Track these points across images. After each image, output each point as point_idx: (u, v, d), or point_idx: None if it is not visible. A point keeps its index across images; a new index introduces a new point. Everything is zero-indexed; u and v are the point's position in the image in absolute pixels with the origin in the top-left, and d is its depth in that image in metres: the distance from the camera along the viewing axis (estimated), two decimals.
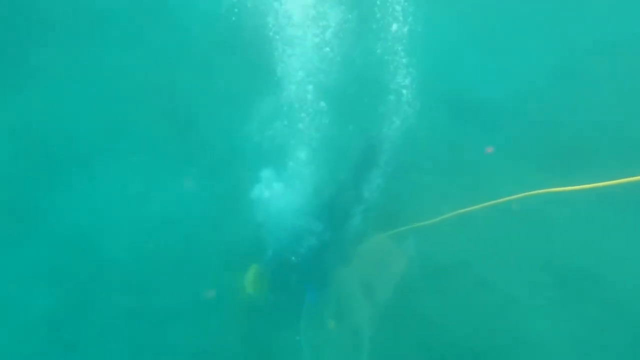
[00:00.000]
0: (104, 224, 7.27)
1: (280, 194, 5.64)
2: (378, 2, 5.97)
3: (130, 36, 9.98)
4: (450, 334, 4.93)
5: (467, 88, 8.48)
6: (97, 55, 9.64)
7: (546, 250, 5.37)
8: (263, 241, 5.87)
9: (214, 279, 6.48)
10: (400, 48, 6.03)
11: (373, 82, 6.37)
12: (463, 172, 6.76)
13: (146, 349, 5.94)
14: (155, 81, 9.09)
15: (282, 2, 5.40)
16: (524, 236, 5.59)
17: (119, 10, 10.23)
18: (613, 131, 6.94)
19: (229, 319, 6.08)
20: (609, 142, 6.59)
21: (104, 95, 9.10)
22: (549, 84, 8.15)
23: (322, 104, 5.77)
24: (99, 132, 8.62)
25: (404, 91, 6.11)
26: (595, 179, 3.14)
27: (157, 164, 7.90)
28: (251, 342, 5.76)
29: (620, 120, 7.08)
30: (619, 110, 7.25)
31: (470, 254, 5.53)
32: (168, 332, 6.05)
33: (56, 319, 6.27)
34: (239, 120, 6.27)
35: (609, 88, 7.77)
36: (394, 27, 6.00)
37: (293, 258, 5.57)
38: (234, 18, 5.98)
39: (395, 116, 6.16)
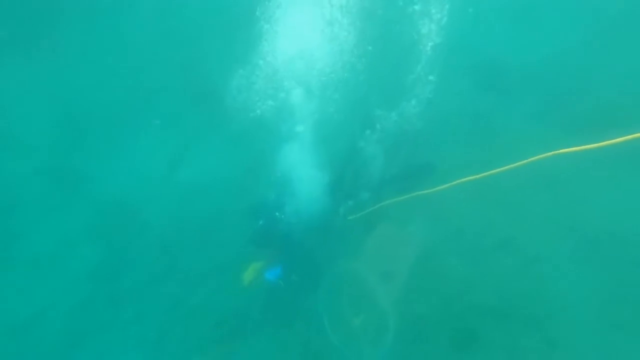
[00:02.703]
0: (139, 189, 7.72)
1: (300, 160, 5.75)
2: None
3: (158, 12, 10.19)
4: (472, 295, 4.94)
5: (492, 55, 8.24)
6: (128, 31, 9.95)
7: (571, 211, 5.24)
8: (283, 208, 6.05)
9: (238, 245, 6.71)
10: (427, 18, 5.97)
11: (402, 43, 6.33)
12: (487, 137, 6.65)
13: (178, 305, 6.31)
14: (179, 55, 9.33)
15: None
16: (547, 198, 5.47)
17: None
18: None
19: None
20: (637, 107, 6.28)
21: (134, 68, 9.44)
22: (575, 51, 7.80)
23: (345, 73, 5.80)
24: (130, 103, 9.02)
25: (431, 54, 6.06)
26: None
27: (185, 133, 8.23)
28: (272, 306, 5.98)
29: None
30: None
31: (492, 217, 5.49)
32: (198, 291, 6.39)
33: (98, 274, 6.81)
34: (261, 87, 6.38)
35: (636, 54, 7.36)
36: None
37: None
38: None
39: (421, 81, 6.12)
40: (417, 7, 6.37)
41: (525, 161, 4.18)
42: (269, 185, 6.13)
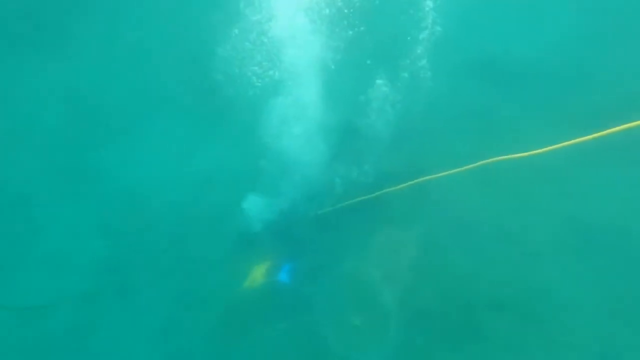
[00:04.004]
0: (148, 182, 7.82)
1: (301, 148, 5.86)
2: None
3: (162, 11, 10.31)
4: (474, 287, 4.99)
5: (490, 49, 8.26)
6: (137, 28, 10.07)
7: (570, 204, 5.32)
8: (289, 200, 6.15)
9: (246, 236, 6.82)
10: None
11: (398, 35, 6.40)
12: (487, 129, 6.69)
13: (187, 294, 6.42)
14: (184, 50, 9.45)
15: None
16: (548, 191, 5.53)
17: None
18: None
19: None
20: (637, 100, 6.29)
21: (142, 64, 9.58)
22: (575, 44, 7.81)
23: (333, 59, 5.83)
24: (138, 98, 9.14)
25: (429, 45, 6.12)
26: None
27: (192, 126, 8.35)
28: (279, 297, 6.08)
29: None
30: None
31: (494, 210, 5.57)
32: (208, 280, 6.48)
33: (108, 266, 6.93)
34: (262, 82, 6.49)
35: (636, 46, 7.35)
36: None
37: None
38: None
39: (419, 72, 6.18)
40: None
41: (525, 154, 4.18)
42: (276, 176, 6.24)
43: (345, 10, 5.93)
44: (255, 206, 6.29)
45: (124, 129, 8.66)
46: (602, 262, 4.72)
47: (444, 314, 4.90)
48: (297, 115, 5.94)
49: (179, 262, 6.86)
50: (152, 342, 5.83)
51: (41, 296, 6.41)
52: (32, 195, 8.06)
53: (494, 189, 5.71)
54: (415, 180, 5.22)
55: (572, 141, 3.79)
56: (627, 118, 3.11)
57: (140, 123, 8.70)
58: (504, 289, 4.95)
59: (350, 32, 6.09)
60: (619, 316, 4.31)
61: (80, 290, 6.59)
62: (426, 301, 5.12)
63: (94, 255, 7.02)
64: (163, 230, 7.13)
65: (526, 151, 4.27)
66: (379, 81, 6.40)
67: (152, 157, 8.18)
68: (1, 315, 5.97)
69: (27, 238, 7.35)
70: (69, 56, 9.66)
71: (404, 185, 5.35)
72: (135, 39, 9.74)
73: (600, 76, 7.13)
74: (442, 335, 4.77)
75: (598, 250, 4.81)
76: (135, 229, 7.20)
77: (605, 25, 7.95)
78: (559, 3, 8.62)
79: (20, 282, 6.80)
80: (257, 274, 6.02)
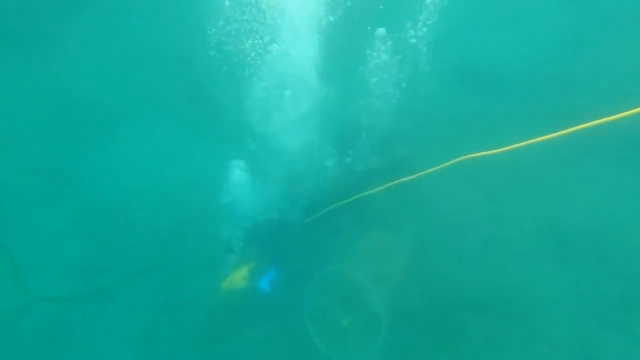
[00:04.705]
0: (130, 185, 7.71)
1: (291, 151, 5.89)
2: None
3: (151, 10, 10.26)
4: (457, 287, 5.10)
5: (477, 56, 8.47)
6: (121, 28, 9.99)
7: (547, 205, 5.49)
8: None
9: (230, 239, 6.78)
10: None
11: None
12: (469, 133, 6.83)
13: (169, 297, 6.34)
14: (171, 52, 9.40)
15: None
16: (526, 193, 5.70)
17: None
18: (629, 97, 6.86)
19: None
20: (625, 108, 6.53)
21: (126, 65, 9.49)
22: (563, 52, 8.10)
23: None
24: (122, 99, 9.04)
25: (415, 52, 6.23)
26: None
27: (177, 129, 8.29)
28: (263, 300, 6.04)
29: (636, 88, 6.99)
30: (636, 77, 7.15)
31: (476, 212, 5.70)
32: (192, 283, 6.41)
33: (86, 268, 6.78)
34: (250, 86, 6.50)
35: (624, 55, 7.66)
36: None
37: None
38: None
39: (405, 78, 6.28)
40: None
41: (500, 149, 4.16)
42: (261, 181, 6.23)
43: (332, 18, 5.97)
44: (241, 209, 6.26)
45: (108, 129, 8.54)
46: (580, 262, 4.88)
47: (428, 314, 4.99)
48: (287, 120, 5.96)
49: (161, 266, 6.76)
50: (134, 345, 5.72)
51: (17, 298, 6.23)
52: (10, 197, 7.85)
53: (476, 191, 5.86)
54: (398, 180, 5.25)
55: (549, 135, 3.77)
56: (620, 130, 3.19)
57: (124, 124, 8.60)
58: (486, 289, 5.08)
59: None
60: (598, 313, 4.45)
61: (58, 292, 6.43)
62: (410, 302, 5.20)
63: (73, 257, 6.86)
64: (146, 233, 7.02)
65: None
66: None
67: (135, 159, 8.08)
68: None
69: (4, 239, 7.13)
70: (51, 58, 9.50)
71: (387, 185, 5.38)
72: (120, 39, 9.65)
73: (588, 85, 7.36)
74: (425, 335, 4.85)
75: (575, 250, 4.99)
76: (115, 231, 7.07)
77: (594, 34, 8.20)
78: (546, 15, 8.86)
79: None
80: (240, 278, 5.97)
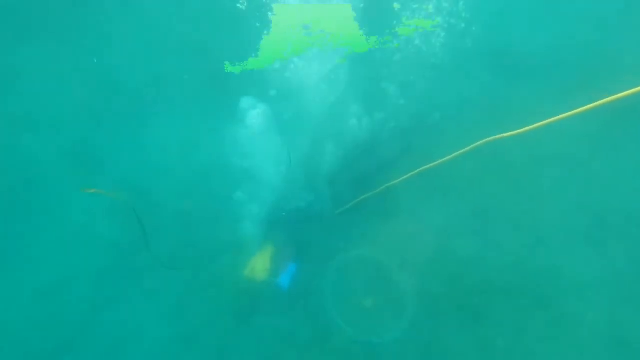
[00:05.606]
0: (157, 169, 8.00)
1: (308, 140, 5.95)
2: None
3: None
4: (481, 271, 5.08)
5: (507, 40, 8.29)
6: (148, 17, 10.16)
7: (577, 188, 5.30)
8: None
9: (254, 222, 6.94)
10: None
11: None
12: (496, 116, 6.71)
13: (197, 277, 6.59)
14: (191, 39, 9.56)
15: None
16: (555, 176, 5.49)
17: None
18: None
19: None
20: None
21: (150, 52, 9.67)
22: (591, 35, 7.81)
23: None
24: (148, 86, 9.25)
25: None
26: None
27: (198, 114, 8.48)
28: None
29: None
30: None
31: (502, 195, 5.58)
32: (217, 263, 6.67)
33: (119, 247, 7.09)
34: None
35: None
36: None
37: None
38: None
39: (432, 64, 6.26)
40: None
41: (522, 130, 4.09)
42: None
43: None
44: (265, 198, 6.41)
45: (132, 117, 8.79)
46: (610, 247, 4.71)
47: (453, 298, 5.00)
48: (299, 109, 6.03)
49: (188, 246, 7.03)
50: (165, 320, 5.98)
51: (56, 273, 6.57)
52: (45, 179, 8.19)
53: (499, 174, 5.73)
54: (423, 168, 5.24)
55: (575, 110, 3.67)
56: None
57: (147, 112, 8.83)
58: (512, 273, 4.97)
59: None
60: (628, 300, 4.34)
61: (94, 269, 6.75)
62: (435, 285, 5.22)
63: (106, 236, 7.17)
64: (170, 215, 7.29)
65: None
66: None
67: (159, 144, 8.32)
68: (20, 291, 6.12)
69: (42, 219, 7.49)
70: (83, 44, 9.76)
71: (412, 173, 5.38)
72: (148, 29, 9.82)
73: (618, 69, 7.08)
74: (449, 319, 4.88)
75: (608, 233, 4.79)
76: (144, 214, 7.32)
77: (624, 17, 7.84)
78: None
79: (36, 259, 6.95)
80: (261, 269, 6.11)
